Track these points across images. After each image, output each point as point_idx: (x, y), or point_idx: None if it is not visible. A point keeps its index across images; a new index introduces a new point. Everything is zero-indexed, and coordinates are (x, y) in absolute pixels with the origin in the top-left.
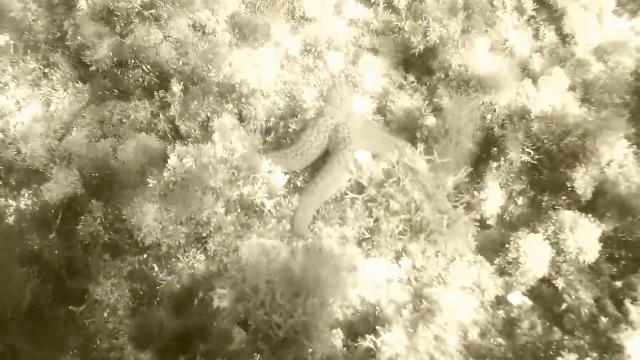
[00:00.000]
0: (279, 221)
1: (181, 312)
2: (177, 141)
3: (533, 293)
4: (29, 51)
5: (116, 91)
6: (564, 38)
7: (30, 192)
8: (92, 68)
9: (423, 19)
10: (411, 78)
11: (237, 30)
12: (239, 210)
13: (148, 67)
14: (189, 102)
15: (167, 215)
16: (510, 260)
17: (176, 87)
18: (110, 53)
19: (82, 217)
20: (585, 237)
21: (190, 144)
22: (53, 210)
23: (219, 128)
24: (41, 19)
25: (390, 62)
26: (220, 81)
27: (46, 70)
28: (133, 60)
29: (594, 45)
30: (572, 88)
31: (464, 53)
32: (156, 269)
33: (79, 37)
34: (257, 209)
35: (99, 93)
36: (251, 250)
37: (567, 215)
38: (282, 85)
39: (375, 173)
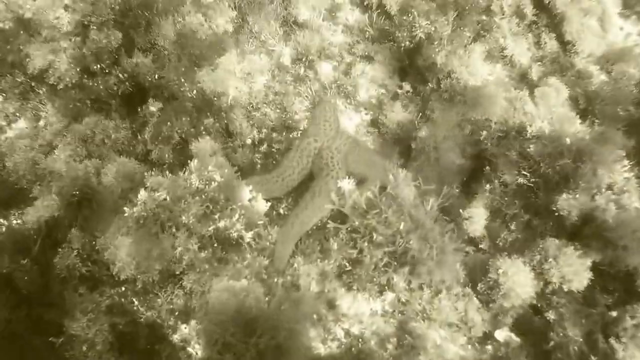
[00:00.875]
0: (256, 257)
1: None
2: (154, 169)
3: (521, 328)
4: (16, 64)
5: (88, 101)
6: (564, 46)
7: (19, 211)
8: (60, 86)
9: (409, 14)
10: (407, 87)
11: (185, 53)
12: (215, 245)
13: (125, 74)
14: (161, 125)
15: (140, 250)
16: (491, 283)
17: (153, 106)
18: (72, 64)
19: (60, 249)
20: (570, 265)
21: (165, 173)
22: (35, 235)
23: (198, 153)
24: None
25: (386, 70)
26: (194, 96)
27: (33, 83)
28: (99, 66)
29: (596, 54)
30: (573, 100)
31: (457, 61)
32: (136, 303)
33: (33, 64)
34: (234, 242)
35: (70, 106)
36: (220, 295)
37: (552, 243)
38: (273, 96)
39: (358, 202)
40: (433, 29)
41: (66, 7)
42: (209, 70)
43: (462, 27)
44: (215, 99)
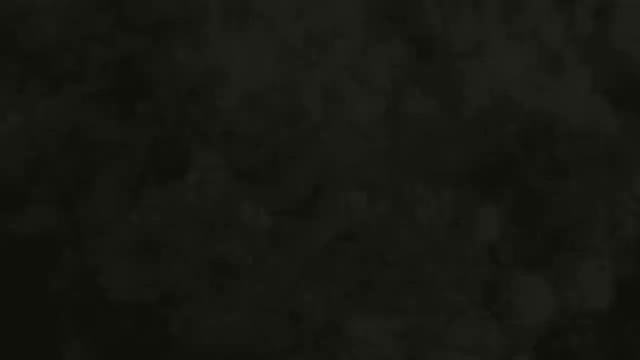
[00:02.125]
0: (255, 284)
1: None
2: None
3: (540, 355)
4: (8, 50)
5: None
6: (601, 25)
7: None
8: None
9: None
10: (429, 69)
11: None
12: (212, 272)
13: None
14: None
15: (136, 276)
16: (504, 302)
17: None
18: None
19: (52, 272)
20: (588, 281)
21: (162, 187)
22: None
23: (201, 166)
24: None
25: (405, 51)
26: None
27: (26, 73)
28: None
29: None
30: (608, 88)
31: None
32: (131, 327)
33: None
34: (233, 268)
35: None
36: (207, 331)
37: (568, 257)
38: (281, 81)
39: (369, 220)
40: None
41: None
42: (182, 42)
43: None
44: (202, 82)
